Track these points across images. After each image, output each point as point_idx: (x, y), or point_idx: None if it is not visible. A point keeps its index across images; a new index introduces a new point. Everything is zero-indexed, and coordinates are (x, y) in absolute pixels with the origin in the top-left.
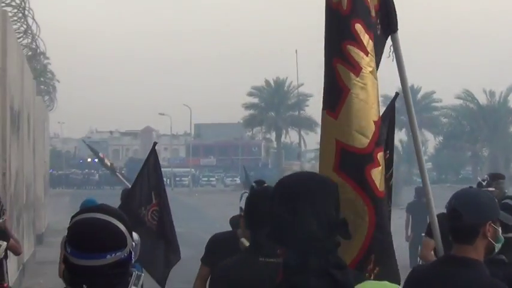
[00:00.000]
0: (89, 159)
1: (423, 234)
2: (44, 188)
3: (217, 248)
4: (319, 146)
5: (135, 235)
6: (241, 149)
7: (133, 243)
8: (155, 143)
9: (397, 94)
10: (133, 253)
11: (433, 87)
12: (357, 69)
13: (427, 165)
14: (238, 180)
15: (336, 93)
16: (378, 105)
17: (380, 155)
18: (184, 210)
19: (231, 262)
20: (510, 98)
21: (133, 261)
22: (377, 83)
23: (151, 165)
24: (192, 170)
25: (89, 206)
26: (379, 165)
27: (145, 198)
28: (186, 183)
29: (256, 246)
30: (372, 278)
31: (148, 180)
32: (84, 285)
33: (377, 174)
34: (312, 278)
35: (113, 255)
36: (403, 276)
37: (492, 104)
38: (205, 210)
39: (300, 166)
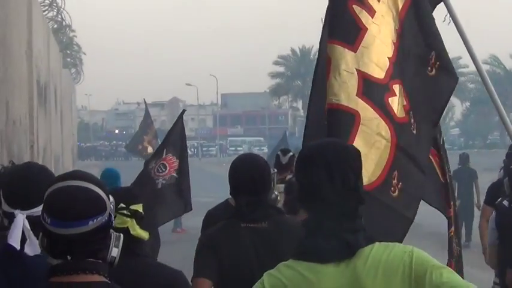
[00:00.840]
0: (117, 131)
1: (477, 202)
2: (73, 160)
3: (215, 222)
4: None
5: (111, 198)
6: (268, 118)
7: (111, 206)
8: (184, 111)
9: None
10: (112, 215)
11: (459, 52)
12: (371, 11)
13: (455, 131)
14: (265, 149)
15: (354, 30)
16: (392, 45)
17: (395, 87)
18: (213, 181)
19: (214, 229)
20: None
21: (112, 223)
22: (393, 25)
23: (177, 133)
24: (260, 139)
25: (62, 174)
26: (396, 95)
27: (156, 154)
28: (214, 153)
29: (237, 212)
30: (396, 192)
31: (173, 146)
32: (68, 256)
33: (394, 102)
34: (322, 240)
35: (95, 220)
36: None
37: None
38: None
39: None
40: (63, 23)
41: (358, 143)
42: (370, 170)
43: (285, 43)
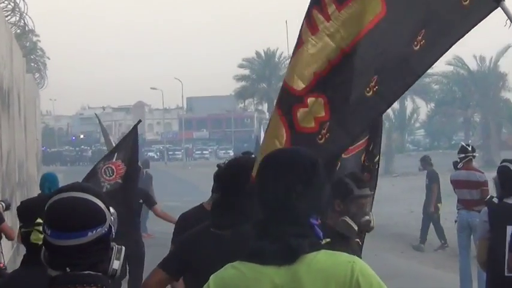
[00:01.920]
0: (82, 136)
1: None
2: (37, 166)
3: (188, 226)
4: None
5: (111, 209)
6: (233, 121)
7: (112, 218)
8: (139, 121)
9: None
10: (112, 227)
11: None
12: (314, 29)
13: (420, 132)
14: (231, 153)
15: (297, 41)
16: (328, 63)
17: (311, 100)
18: (178, 184)
19: (186, 235)
20: (500, 63)
21: (113, 236)
22: (334, 46)
23: (129, 141)
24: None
25: (62, 186)
26: (307, 107)
27: (107, 156)
28: (180, 156)
29: (211, 218)
30: None
31: (124, 152)
32: (67, 268)
33: (302, 113)
34: (267, 243)
35: (94, 231)
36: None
37: (483, 70)
38: (198, 184)
39: None
40: (26, 28)
41: (261, 146)
42: None
43: (249, 46)
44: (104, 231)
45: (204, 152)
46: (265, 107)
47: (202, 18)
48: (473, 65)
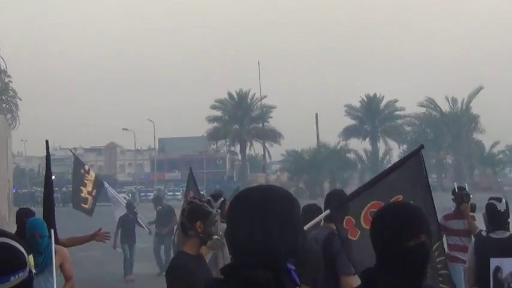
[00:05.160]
0: (53, 177)
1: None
2: (8, 207)
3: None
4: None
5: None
6: (206, 162)
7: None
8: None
9: (421, 146)
10: (32, 271)
11: (396, 95)
12: None
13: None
14: (203, 193)
15: None
16: None
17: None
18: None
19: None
20: (472, 105)
21: (33, 281)
22: None
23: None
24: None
25: None
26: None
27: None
28: (151, 198)
29: None
30: None
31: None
32: None
33: None
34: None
35: (16, 276)
36: None
37: (455, 111)
38: None
39: (265, 178)
40: None
41: None
42: None
43: (221, 86)
44: (25, 276)
45: (177, 193)
46: (237, 148)
47: (174, 58)
48: (445, 107)
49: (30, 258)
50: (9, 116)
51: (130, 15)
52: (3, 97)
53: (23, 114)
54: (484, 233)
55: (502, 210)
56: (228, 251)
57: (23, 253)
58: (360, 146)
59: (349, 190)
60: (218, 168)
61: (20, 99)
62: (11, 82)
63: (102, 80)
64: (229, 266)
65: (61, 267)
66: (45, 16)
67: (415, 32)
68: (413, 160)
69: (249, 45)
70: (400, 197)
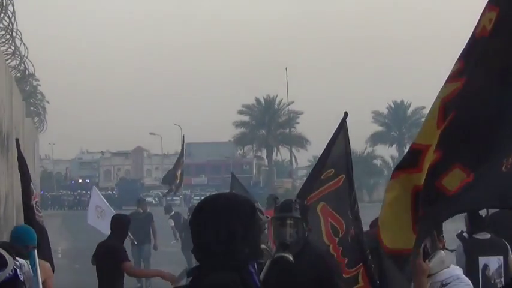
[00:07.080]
0: (80, 180)
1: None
2: None
3: None
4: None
5: (21, 260)
6: (232, 167)
7: (18, 263)
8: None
9: (346, 114)
10: (19, 272)
11: (423, 102)
12: None
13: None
14: None
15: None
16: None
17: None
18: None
19: None
20: None
21: (22, 280)
22: None
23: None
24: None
25: None
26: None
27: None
28: (178, 202)
29: None
30: None
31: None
32: None
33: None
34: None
35: None
36: None
37: None
38: None
39: (292, 183)
40: (27, 71)
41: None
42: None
43: (249, 92)
44: (7, 275)
45: (203, 198)
46: (264, 153)
47: (203, 66)
48: None
49: (26, 263)
50: (36, 119)
51: (163, 32)
52: (31, 100)
53: (51, 118)
54: (465, 235)
55: (483, 216)
56: (194, 255)
57: (2, 254)
58: (386, 152)
59: (375, 196)
60: (244, 173)
61: (48, 103)
62: (39, 85)
63: (131, 84)
64: (196, 269)
65: (43, 284)
66: (83, 35)
67: (442, 42)
68: (342, 132)
69: (277, 51)
70: (332, 171)
